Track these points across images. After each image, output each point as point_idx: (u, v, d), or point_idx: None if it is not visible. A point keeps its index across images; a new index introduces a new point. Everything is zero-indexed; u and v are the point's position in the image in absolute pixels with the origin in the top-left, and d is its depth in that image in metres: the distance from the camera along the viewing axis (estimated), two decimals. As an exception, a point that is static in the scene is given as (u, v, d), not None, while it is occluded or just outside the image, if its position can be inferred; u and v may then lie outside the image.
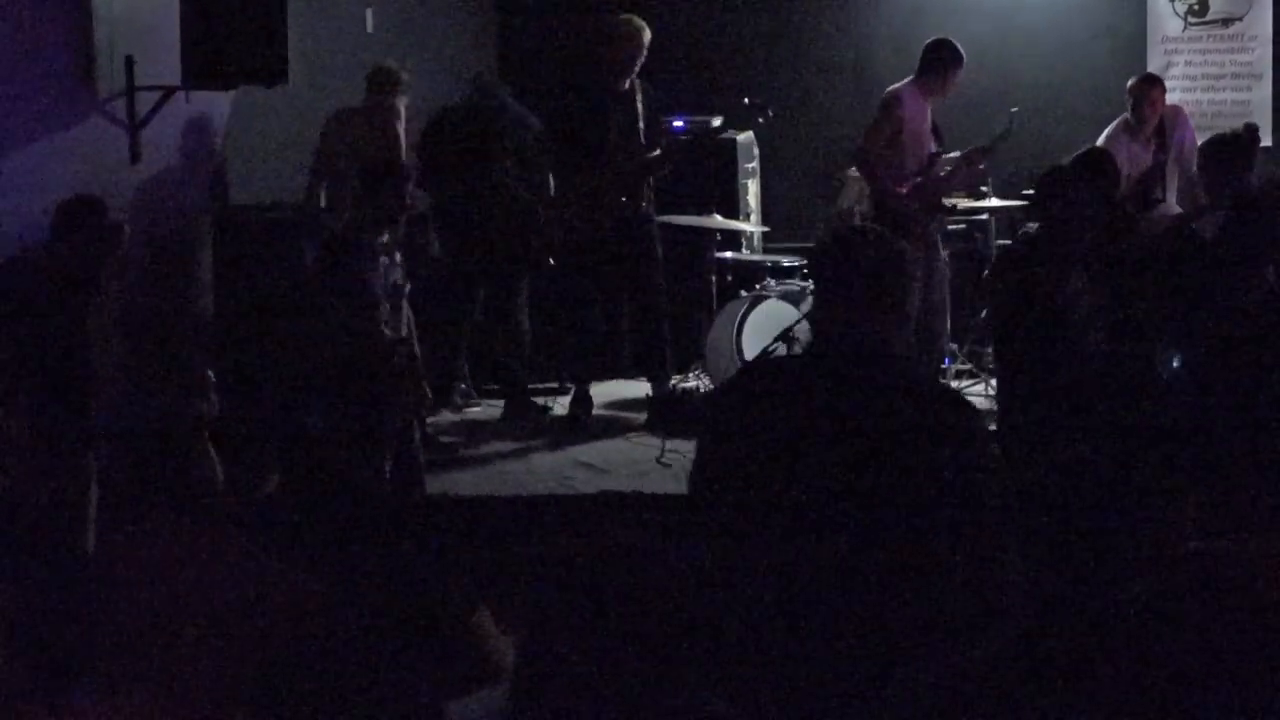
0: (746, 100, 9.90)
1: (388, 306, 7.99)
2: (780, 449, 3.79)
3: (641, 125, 9.43)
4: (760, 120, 9.89)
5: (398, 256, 8.28)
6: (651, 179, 9.51)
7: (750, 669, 3.74)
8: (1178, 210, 9.78)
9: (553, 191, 9.54)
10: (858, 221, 9.64)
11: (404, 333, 8.26)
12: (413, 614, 4.08)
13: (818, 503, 3.71)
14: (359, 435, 7.41)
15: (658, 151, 9.45)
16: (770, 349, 9.03)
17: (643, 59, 9.38)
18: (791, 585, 3.70)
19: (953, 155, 9.65)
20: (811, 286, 9.41)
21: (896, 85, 9.51)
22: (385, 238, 8.13)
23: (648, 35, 9.35)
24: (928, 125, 9.51)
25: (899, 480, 3.68)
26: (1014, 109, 9.64)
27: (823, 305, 4.03)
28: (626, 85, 9.41)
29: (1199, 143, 9.46)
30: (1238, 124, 9.37)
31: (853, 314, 3.91)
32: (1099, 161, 8.04)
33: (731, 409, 4.02)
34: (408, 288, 8.46)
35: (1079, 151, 8.22)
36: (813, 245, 3.73)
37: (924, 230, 9.27)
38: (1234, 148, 7.92)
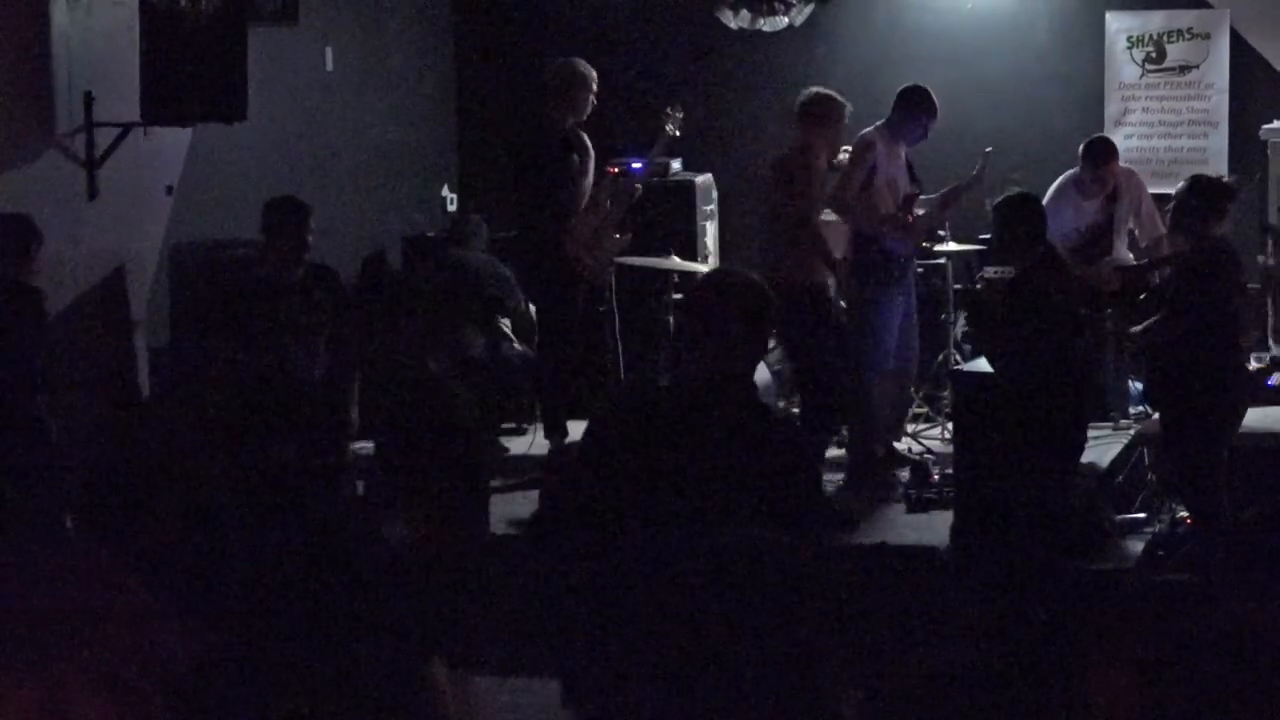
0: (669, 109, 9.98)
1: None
2: (643, 465, 4.12)
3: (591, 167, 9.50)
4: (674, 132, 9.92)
5: None
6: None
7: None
8: (1126, 255, 9.81)
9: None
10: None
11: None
12: (363, 665, 4.03)
13: (669, 510, 4.05)
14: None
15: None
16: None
17: (592, 101, 9.40)
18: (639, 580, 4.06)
19: (930, 197, 9.65)
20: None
21: (868, 129, 9.46)
22: None
23: (594, 77, 9.37)
24: (902, 169, 9.45)
25: (735, 491, 4.05)
26: (988, 149, 9.66)
27: (696, 342, 4.27)
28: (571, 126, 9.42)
29: (1148, 189, 9.66)
30: (1195, 171, 9.32)
31: (724, 351, 4.20)
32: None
33: (609, 426, 4.36)
34: None
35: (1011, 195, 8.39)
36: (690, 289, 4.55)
37: (903, 272, 9.29)
38: (1215, 193, 8.01)
